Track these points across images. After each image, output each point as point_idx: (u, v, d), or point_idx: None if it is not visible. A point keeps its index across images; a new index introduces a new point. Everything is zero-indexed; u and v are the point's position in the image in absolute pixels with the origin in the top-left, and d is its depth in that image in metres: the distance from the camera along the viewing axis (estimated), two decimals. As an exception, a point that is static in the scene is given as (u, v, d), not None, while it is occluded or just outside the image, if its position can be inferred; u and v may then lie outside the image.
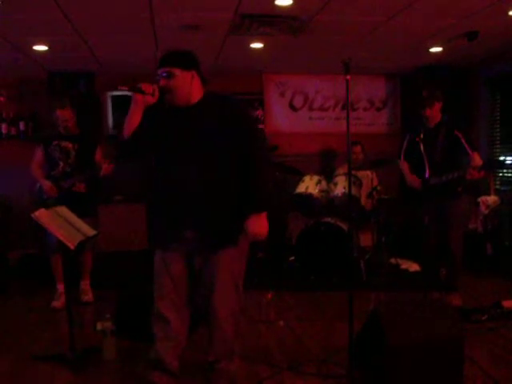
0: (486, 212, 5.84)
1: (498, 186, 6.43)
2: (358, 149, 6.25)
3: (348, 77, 2.96)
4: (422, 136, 4.47)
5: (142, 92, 2.61)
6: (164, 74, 2.66)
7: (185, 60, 2.72)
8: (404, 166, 4.73)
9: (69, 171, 4.71)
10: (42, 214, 3.46)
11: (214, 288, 2.76)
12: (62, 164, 4.73)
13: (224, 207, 2.73)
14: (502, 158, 6.46)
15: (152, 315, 2.85)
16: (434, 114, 4.48)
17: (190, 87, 2.70)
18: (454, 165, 4.34)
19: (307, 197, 5.68)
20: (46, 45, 5.22)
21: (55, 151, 4.73)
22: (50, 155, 4.75)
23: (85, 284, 4.91)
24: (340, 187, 5.59)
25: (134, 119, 2.68)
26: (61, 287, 4.65)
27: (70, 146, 4.75)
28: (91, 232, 3.65)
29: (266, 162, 2.84)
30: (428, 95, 4.48)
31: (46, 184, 4.64)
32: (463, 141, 4.37)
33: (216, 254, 2.75)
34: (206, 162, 2.69)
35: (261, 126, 7.16)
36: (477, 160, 4.22)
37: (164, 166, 2.78)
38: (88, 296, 4.86)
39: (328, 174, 6.00)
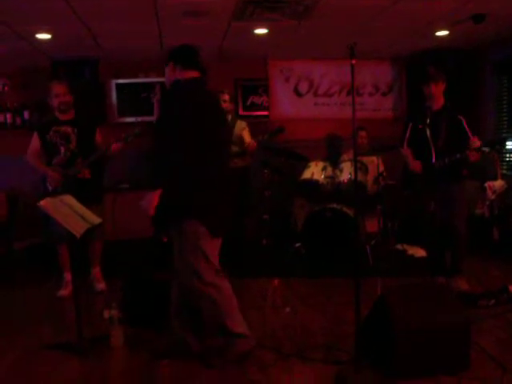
0: (493, 197, 5.80)
1: (504, 171, 6.38)
2: (363, 134, 6.25)
3: (353, 61, 2.93)
4: (428, 121, 4.45)
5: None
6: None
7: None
8: (407, 153, 4.68)
9: (71, 157, 4.60)
10: (47, 203, 3.46)
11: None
12: (63, 149, 4.60)
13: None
14: (504, 136, 6.39)
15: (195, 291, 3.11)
16: (438, 92, 4.44)
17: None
18: (457, 148, 4.32)
19: (313, 183, 5.66)
20: (49, 33, 5.19)
21: (55, 137, 4.60)
22: (50, 142, 4.61)
23: (96, 272, 4.89)
24: (346, 173, 5.57)
25: None
26: (68, 276, 4.65)
27: (70, 130, 4.63)
28: (97, 220, 3.64)
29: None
30: (435, 72, 4.44)
31: (51, 173, 4.55)
32: (465, 125, 4.39)
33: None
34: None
35: (266, 113, 7.15)
36: (476, 143, 4.21)
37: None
38: (102, 284, 4.85)
39: (334, 160, 5.96)
